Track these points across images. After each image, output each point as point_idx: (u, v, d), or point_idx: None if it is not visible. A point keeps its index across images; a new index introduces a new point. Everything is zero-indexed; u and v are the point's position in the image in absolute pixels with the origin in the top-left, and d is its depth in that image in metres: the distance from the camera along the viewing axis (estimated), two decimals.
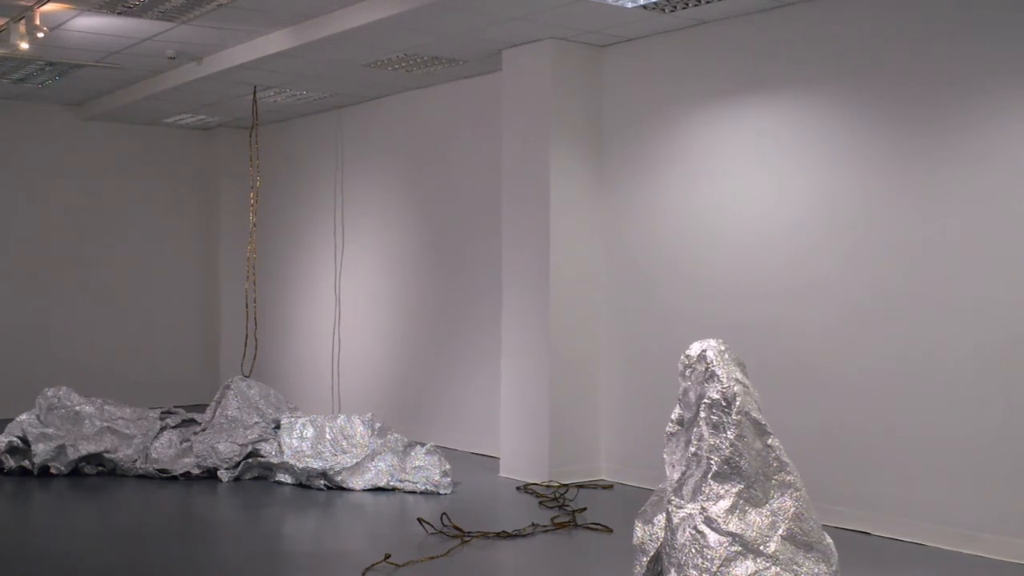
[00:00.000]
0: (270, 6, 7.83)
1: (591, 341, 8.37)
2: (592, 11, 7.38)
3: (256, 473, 8.50)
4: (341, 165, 11.41)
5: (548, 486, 7.97)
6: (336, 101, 11.00)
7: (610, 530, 6.66)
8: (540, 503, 7.48)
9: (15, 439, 8.69)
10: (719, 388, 4.34)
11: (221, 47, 9.12)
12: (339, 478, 8.06)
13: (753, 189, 7.30)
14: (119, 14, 7.99)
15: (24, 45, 8.16)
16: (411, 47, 8.49)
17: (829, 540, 4.36)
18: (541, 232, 8.20)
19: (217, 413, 8.96)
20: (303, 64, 9.13)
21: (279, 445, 8.46)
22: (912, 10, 6.43)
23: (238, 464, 8.46)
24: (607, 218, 8.36)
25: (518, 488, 8.03)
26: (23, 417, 8.97)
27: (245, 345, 10.79)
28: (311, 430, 8.47)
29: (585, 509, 7.21)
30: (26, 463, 8.63)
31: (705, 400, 4.36)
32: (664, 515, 4.46)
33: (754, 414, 4.34)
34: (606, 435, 8.38)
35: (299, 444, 8.39)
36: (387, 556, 5.91)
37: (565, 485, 7.96)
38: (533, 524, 6.76)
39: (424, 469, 8.07)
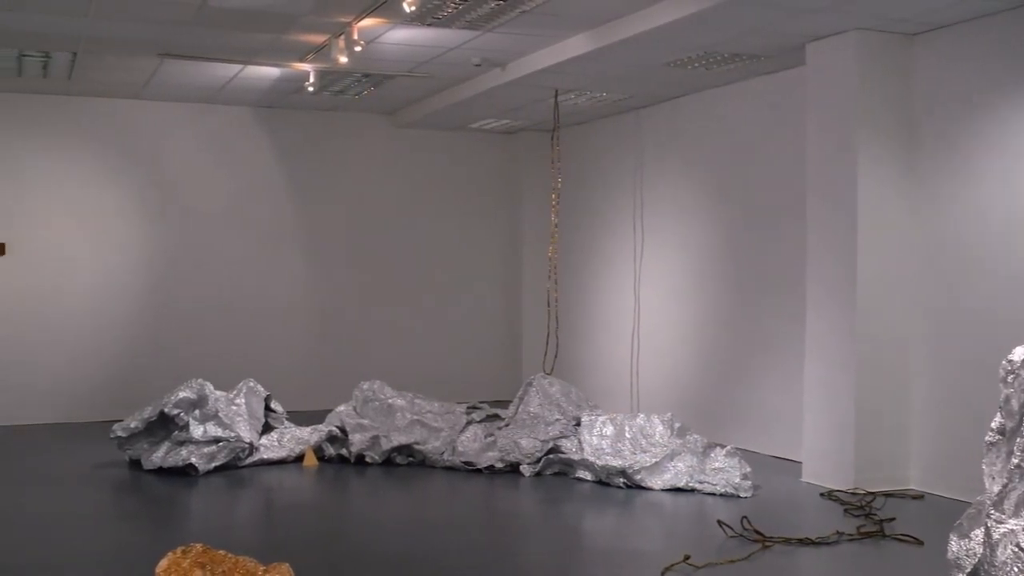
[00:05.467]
0: (571, 10, 7.97)
1: (901, 344, 8.00)
2: None
3: (557, 469, 8.66)
4: (640, 165, 11.45)
5: (854, 493, 7.69)
6: (635, 102, 11.05)
7: (921, 543, 6.35)
8: (845, 511, 7.23)
9: (334, 429, 9.26)
10: None
11: (523, 53, 9.36)
12: (638, 477, 8.09)
13: None
14: (429, 25, 8.35)
15: (343, 59, 8.68)
16: (712, 44, 8.40)
17: None
18: (848, 232, 7.92)
19: (520, 409, 9.20)
20: (603, 66, 9.22)
21: (579, 442, 8.59)
22: None
23: (539, 460, 8.65)
24: (919, 217, 7.96)
25: (822, 494, 7.79)
26: (341, 408, 9.57)
27: (547, 343, 11.03)
28: (611, 428, 8.55)
29: (894, 519, 6.90)
30: (344, 452, 9.18)
31: None
32: (982, 530, 4.20)
33: None
34: (917, 442, 7.98)
35: (599, 442, 8.49)
36: (686, 557, 5.87)
37: (872, 493, 7.65)
38: (838, 532, 6.53)
39: (724, 471, 7.97)
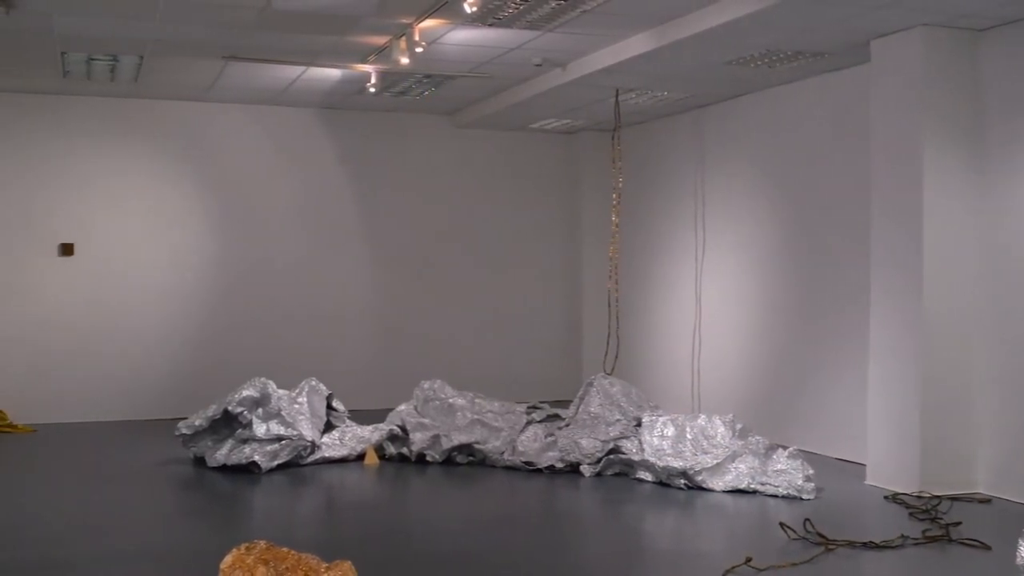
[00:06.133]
0: (631, 10, 7.94)
1: (967, 345, 7.87)
2: None
3: (617, 469, 8.63)
4: (702, 165, 11.38)
5: (919, 496, 7.58)
6: (696, 101, 10.99)
7: (988, 547, 6.24)
8: (910, 514, 7.13)
9: (395, 428, 9.32)
10: None
11: (584, 52, 9.35)
12: (699, 478, 8.04)
13: None
14: (490, 26, 8.37)
15: (404, 60, 8.73)
16: (774, 42, 8.33)
17: None
18: (914, 232, 7.80)
19: (580, 409, 9.19)
20: (664, 65, 9.18)
21: (640, 443, 8.55)
22: None
23: (600, 460, 8.63)
24: (986, 217, 7.82)
25: (886, 497, 7.69)
26: (402, 407, 9.62)
27: (607, 343, 11.00)
28: (672, 429, 8.50)
29: (960, 523, 6.79)
30: (404, 450, 9.23)
31: None
32: None
33: None
34: (984, 445, 7.85)
35: (660, 442, 8.45)
36: (748, 559, 5.83)
37: (938, 496, 7.54)
38: (902, 536, 6.45)
39: (786, 473, 7.90)
